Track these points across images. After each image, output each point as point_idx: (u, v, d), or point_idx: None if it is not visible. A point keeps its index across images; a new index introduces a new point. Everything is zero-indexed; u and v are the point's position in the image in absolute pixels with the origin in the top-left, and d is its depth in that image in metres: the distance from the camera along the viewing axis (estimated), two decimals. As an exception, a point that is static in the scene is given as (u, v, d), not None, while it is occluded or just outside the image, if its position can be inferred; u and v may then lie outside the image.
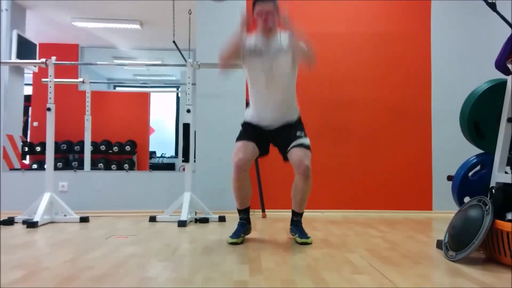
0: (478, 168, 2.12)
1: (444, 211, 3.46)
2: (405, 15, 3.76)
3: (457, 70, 3.70)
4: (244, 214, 2.35)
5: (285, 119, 2.28)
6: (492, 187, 1.91)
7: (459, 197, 2.12)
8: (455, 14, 3.75)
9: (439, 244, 2.10)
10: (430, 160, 3.68)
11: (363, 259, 1.88)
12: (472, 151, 2.19)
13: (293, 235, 2.33)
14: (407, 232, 2.67)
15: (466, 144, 2.24)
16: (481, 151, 2.14)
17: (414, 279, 1.58)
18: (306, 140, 2.23)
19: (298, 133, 2.23)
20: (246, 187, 2.28)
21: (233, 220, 3.17)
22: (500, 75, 2.08)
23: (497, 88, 2.03)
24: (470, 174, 2.12)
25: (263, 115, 2.28)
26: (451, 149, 3.50)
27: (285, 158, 2.29)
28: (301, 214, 2.35)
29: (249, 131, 2.31)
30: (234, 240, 2.21)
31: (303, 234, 2.26)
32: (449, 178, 2.20)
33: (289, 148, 2.21)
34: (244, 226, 2.32)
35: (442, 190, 3.44)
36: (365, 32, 3.75)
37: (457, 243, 1.88)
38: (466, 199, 2.08)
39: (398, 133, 3.69)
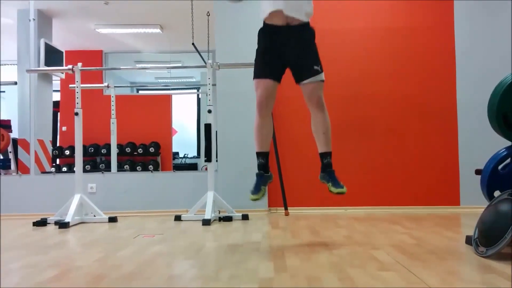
0: (508, 161, 2.05)
1: (472, 206, 3.36)
2: (427, 7, 3.67)
3: (482, 61, 3.59)
4: (262, 158, 2.30)
5: (297, 7, 2.16)
6: (523, 180, 1.85)
7: (488, 191, 2.06)
8: (478, 4, 3.64)
9: (468, 240, 2.05)
10: (457, 154, 3.58)
11: (389, 256, 1.86)
12: (500, 143, 2.12)
13: (325, 183, 2.25)
14: (433, 228, 2.61)
15: (494, 136, 2.17)
16: (511, 144, 2.07)
17: (443, 276, 1.55)
18: (321, 76, 2.20)
19: (315, 69, 2.19)
20: (268, 127, 2.26)
21: (256, 219, 3.20)
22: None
23: (526, 78, 1.96)
24: (500, 167, 2.05)
25: None
26: (478, 142, 3.41)
27: (298, 81, 2.24)
28: (329, 154, 2.26)
29: (264, 57, 2.23)
30: (255, 197, 2.20)
31: (336, 183, 2.18)
32: (478, 172, 2.14)
33: (305, 81, 2.18)
34: (262, 177, 2.28)
35: (469, 185, 3.34)
36: (387, 27, 3.69)
37: (487, 238, 1.82)
38: (496, 193, 2.02)
39: (422, 127, 3.61)
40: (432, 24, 3.67)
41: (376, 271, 1.62)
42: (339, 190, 2.16)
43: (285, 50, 2.21)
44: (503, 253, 1.80)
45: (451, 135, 3.60)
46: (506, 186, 1.97)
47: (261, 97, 2.21)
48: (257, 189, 2.23)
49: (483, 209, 1.97)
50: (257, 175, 2.29)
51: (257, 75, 2.24)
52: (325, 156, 2.26)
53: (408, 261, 1.75)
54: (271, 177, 2.36)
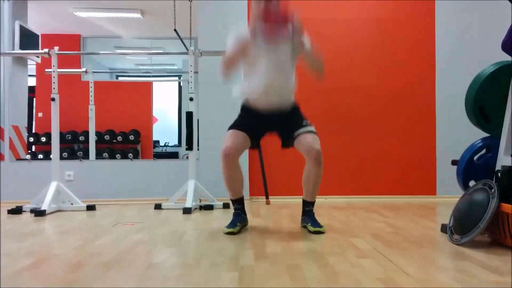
0: (483, 151, 2.11)
1: (448, 195, 3.46)
2: (410, 2, 3.70)
3: (462, 54, 3.66)
4: (238, 204, 2.30)
5: (282, 102, 2.21)
6: (498, 170, 1.90)
7: (464, 181, 2.12)
8: (458, 3, 3.69)
9: (443, 228, 2.11)
10: (434, 145, 3.67)
11: (368, 244, 1.90)
12: (476, 135, 2.18)
13: (305, 225, 2.26)
14: (411, 217, 2.68)
15: (470, 128, 2.23)
16: (487, 135, 2.13)
17: (419, 262, 1.59)
18: (313, 128, 2.22)
19: (305, 122, 2.20)
20: (237, 176, 2.23)
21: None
22: (506, 57, 2.05)
23: (503, 71, 2.01)
24: (475, 158, 2.11)
25: (260, 91, 2.19)
26: (455, 134, 3.49)
27: (284, 145, 2.27)
28: (313, 203, 2.29)
29: (245, 120, 2.25)
30: (231, 230, 2.15)
31: (315, 223, 2.20)
32: (454, 162, 2.19)
33: (297, 134, 2.17)
34: (240, 216, 2.27)
35: (446, 175, 3.43)
36: (368, 17, 3.70)
37: (462, 226, 1.88)
38: (471, 183, 2.08)
39: (401, 118, 3.67)
40: (414, 19, 3.70)
41: (355, 258, 1.65)
42: (317, 229, 2.16)
43: (269, 126, 2.25)
44: (477, 241, 1.86)
45: (429, 127, 3.68)
46: (481, 176, 2.03)
47: (226, 149, 2.14)
48: (233, 225, 2.20)
49: (458, 199, 2.03)
50: (235, 213, 2.29)
51: (232, 126, 2.24)
52: (308, 204, 2.29)
53: (386, 249, 1.79)
54: (247, 221, 2.35)
